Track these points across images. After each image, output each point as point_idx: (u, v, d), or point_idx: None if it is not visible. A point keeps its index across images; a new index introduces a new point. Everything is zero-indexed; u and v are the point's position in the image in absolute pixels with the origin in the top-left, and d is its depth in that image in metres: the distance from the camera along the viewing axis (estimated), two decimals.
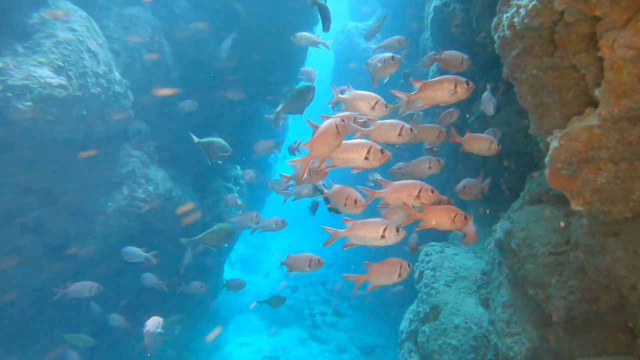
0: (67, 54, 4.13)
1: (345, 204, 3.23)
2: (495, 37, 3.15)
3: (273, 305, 6.56)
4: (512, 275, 4.42)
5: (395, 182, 3.10)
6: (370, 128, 3.24)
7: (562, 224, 3.70)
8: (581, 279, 3.43)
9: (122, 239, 5.40)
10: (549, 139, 2.31)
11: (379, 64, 4.12)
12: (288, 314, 14.29)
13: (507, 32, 2.87)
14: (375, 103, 3.32)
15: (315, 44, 5.22)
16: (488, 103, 4.96)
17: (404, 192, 3.03)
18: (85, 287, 5.03)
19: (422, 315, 6.00)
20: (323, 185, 3.36)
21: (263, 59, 7.42)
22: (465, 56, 4.32)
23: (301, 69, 5.82)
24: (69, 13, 4.21)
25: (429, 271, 6.20)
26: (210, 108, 7.32)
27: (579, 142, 2.06)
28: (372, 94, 3.37)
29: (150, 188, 5.56)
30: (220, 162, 10.47)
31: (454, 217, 3.04)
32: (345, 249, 3.17)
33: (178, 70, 6.21)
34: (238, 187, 11.86)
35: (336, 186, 3.25)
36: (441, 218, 3.03)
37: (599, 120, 1.95)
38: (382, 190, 3.12)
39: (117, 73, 4.93)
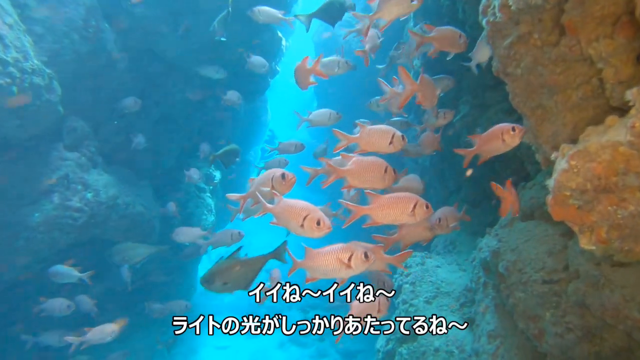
0: None
1: (302, 225, 2.56)
2: (484, 22, 2.55)
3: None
4: (499, 300, 3.88)
5: (384, 196, 2.60)
6: (358, 135, 2.79)
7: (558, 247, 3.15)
8: (582, 314, 2.89)
9: (55, 254, 4.71)
10: (552, 156, 1.72)
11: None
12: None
13: (498, 16, 2.28)
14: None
15: (277, 20, 4.57)
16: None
17: (396, 208, 2.56)
18: (55, 306, 4.56)
19: (399, 334, 5.47)
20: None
21: (231, 51, 6.73)
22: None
23: (249, 59, 5.14)
24: None
25: (407, 285, 5.67)
26: (171, 103, 6.63)
27: (598, 164, 1.48)
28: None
29: (89, 195, 4.86)
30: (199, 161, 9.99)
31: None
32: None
33: (124, 60, 5.48)
34: (211, 187, 11.21)
35: (287, 200, 2.51)
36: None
37: (630, 134, 1.37)
38: (369, 206, 2.59)
39: (36, 61, 4.17)
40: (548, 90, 2.19)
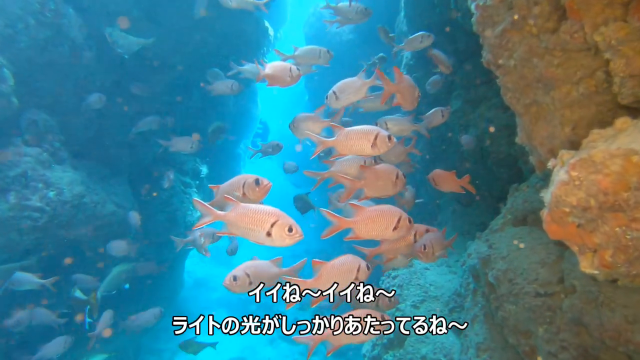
0: None
1: (269, 234, 2.26)
2: (473, 7, 2.26)
3: (193, 352, 5.95)
4: (488, 309, 3.62)
5: (369, 209, 2.42)
6: (336, 138, 2.53)
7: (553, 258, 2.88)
8: (577, 332, 2.62)
9: (14, 257, 4.37)
10: (550, 163, 1.44)
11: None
12: (258, 312, 13.68)
13: None
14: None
15: (249, 5, 4.23)
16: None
17: (380, 222, 2.40)
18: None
19: (385, 340, 5.22)
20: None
21: (212, 41, 6.38)
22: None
23: (241, 67, 4.67)
24: None
25: (395, 289, 5.42)
26: (150, 95, 6.26)
27: (605, 177, 1.20)
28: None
29: (51, 194, 4.51)
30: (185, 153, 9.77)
31: None
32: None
33: (92, 49, 5.11)
34: (197, 182, 10.89)
35: (247, 206, 2.21)
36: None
37: None
38: (353, 219, 2.39)
39: None
40: (544, 84, 1.90)
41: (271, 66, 3.21)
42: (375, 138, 2.49)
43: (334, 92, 2.94)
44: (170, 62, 6.12)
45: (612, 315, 2.27)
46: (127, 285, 5.87)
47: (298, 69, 3.21)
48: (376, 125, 3.42)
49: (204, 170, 10.91)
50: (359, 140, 2.52)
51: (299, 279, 2.32)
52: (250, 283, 2.61)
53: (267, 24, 8.55)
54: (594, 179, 1.22)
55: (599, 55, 1.51)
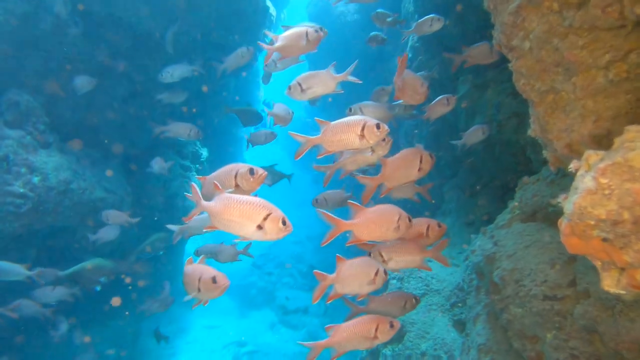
0: None
1: (260, 227, 2.05)
2: None
3: (157, 341, 5.90)
4: (492, 308, 3.43)
5: (368, 209, 2.32)
6: (322, 134, 2.34)
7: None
8: (590, 340, 2.43)
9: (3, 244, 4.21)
10: (571, 166, 1.20)
11: None
12: (259, 297, 13.73)
13: None
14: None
15: None
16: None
17: (382, 224, 2.29)
18: None
19: None
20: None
21: (207, 22, 6.09)
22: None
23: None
24: None
25: (395, 281, 5.25)
26: (147, 77, 6.00)
27: None
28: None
29: (36, 180, 4.30)
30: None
31: None
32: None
33: (78, 25, 4.80)
34: (197, 165, 10.69)
35: (234, 196, 2.00)
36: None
37: None
38: (353, 221, 2.29)
39: None
40: (565, 69, 1.65)
41: (282, 37, 2.82)
42: (363, 129, 2.28)
43: (299, 84, 2.69)
44: (164, 42, 5.84)
45: (632, 325, 2.06)
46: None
47: (316, 31, 2.84)
48: (350, 111, 3.16)
49: (205, 153, 10.70)
50: (345, 134, 2.32)
51: (322, 273, 2.37)
52: None
53: (268, 3, 8.21)
54: (629, 188, 1.00)
55: (635, 33, 1.26)
